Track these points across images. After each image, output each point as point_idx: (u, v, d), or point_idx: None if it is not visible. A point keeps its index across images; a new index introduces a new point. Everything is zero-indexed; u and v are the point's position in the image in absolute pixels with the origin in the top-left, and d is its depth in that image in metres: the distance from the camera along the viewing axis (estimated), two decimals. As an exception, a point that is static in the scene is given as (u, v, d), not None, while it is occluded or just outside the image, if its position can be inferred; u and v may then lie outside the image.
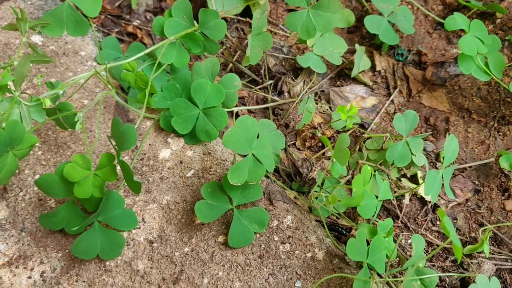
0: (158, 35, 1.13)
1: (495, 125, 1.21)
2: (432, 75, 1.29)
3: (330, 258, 0.97)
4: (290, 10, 1.43)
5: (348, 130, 1.19)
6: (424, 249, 1.01)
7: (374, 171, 1.10)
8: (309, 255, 0.96)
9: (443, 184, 0.98)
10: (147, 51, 1.11)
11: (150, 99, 1.07)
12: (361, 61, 1.27)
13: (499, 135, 1.19)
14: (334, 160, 0.96)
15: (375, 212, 0.93)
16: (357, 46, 1.27)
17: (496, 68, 1.15)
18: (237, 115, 1.20)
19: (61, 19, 1.02)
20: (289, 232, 0.98)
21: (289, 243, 0.97)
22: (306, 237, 0.97)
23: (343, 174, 0.98)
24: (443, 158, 0.94)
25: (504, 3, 1.35)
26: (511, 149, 1.17)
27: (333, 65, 1.31)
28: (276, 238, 0.97)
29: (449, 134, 1.19)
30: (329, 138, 1.20)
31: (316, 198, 0.97)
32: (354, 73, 1.25)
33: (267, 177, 1.08)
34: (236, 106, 1.20)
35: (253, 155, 0.91)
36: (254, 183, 0.94)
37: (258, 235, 0.97)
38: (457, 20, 1.15)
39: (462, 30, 1.16)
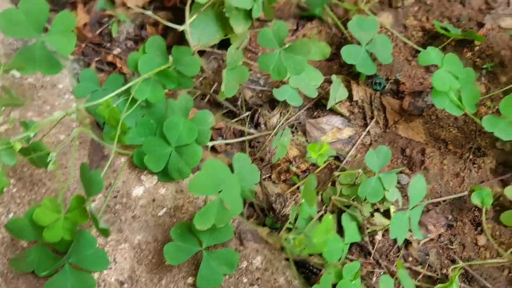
0: (133, 70, 1.14)
1: (471, 156, 1.21)
2: (409, 105, 1.29)
3: (299, 298, 0.97)
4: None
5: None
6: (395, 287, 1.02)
7: (347, 207, 1.11)
8: (278, 295, 0.97)
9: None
10: (122, 88, 1.11)
11: (122, 138, 1.08)
12: (337, 92, 1.27)
13: (474, 167, 1.20)
14: (303, 200, 0.96)
15: (341, 256, 0.94)
16: (333, 77, 1.27)
17: (469, 102, 1.15)
18: (213, 148, 1.21)
19: (33, 59, 1.03)
20: (258, 273, 0.98)
21: (258, 285, 0.97)
22: (275, 278, 0.98)
23: (312, 214, 0.98)
24: (408, 199, 0.94)
25: (482, 30, 1.36)
26: (485, 182, 1.17)
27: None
28: (245, 280, 0.98)
29: (424, 167, 1.20)
30: (304, 171, 1.20)
31: (286, 239, 0.98)
32: (330, 104, 1.26)
33: (240, 214, 1.08)
34: (213, 139, 1.21)
35: (220, 199, 0.92)
36: (222, 226, 0.95)
37: (227, 276, 0.98)
38: (431, 55, 1.15)
39: (437, 64, 1.16)
